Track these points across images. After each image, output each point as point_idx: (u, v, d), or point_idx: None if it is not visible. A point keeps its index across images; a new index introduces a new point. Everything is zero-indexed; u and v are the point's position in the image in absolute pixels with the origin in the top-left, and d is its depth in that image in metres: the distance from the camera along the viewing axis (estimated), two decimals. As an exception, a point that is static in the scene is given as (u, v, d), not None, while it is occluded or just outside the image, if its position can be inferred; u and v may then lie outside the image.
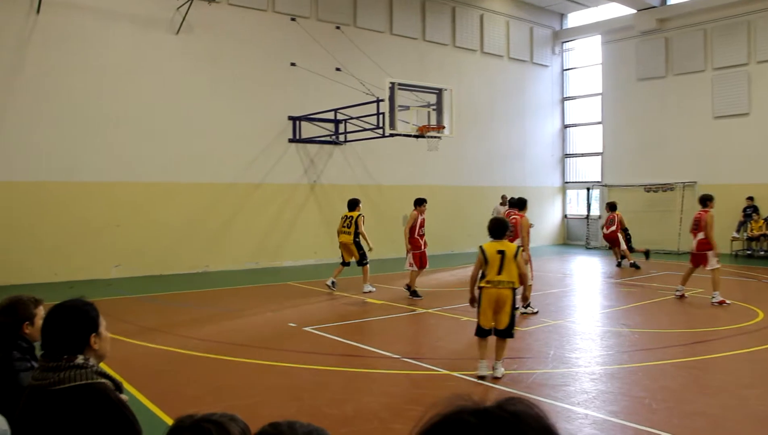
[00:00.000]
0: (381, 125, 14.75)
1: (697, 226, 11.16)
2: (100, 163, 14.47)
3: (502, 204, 18.50)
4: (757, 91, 19.37)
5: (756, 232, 18.78)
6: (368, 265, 12.40)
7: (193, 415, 1.66)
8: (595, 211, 23.26)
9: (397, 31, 19.70)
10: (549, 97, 24.44)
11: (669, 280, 13.84)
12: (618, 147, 22.99)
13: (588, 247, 22.59)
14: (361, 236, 12.25)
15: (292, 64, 17.14)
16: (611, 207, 17.18)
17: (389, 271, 14.80)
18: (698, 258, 11.17)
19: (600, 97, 23.71)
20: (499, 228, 6.80)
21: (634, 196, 21.85)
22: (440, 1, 20.74)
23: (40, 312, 3.65)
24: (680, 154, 20.98)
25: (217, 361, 7.45)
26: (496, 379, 6.56)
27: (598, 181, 23.66)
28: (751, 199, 18.99)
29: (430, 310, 10.65)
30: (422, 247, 11.91)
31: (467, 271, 15.45)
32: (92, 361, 2.60)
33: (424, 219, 12.03)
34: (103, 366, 2.69)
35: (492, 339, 6.73)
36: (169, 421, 5.20)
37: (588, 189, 23.85)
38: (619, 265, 16.82)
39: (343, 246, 12.48)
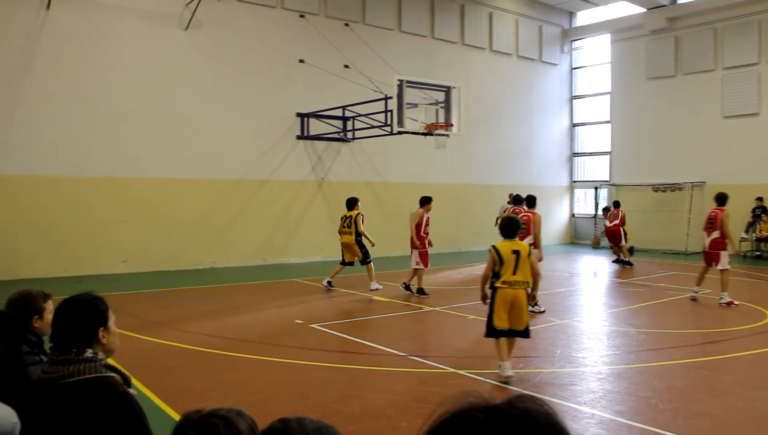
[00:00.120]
0: (389, 123, 14.75)
1: (712, 224, 11.04)
2: (109, 158, 14.53)
3: (509, 202, 18.46)
4: (768, 91, 19.27)
5: (765, 233, 18.67)
6: (372, 263, 12.41)
7: (200, 410, 1.67)
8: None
9: (406, 28, 19.69)
10: (557, 95, 24.37)
11: (676, 281, 13.80)
12: (626, 146, 22.91)
13: (595, 246, 22.51)
14: (362, 235, 12.25)
15: (301, 61, 17.16)
16: (615, 204, 17.71)
17: (396, 269, 14.80)
18: (711, 257, 11.10)
19: (609, 96, 23.63)
20: (512, 227, 6.74)
21: (642, 195, 21.77)
22: (449, -1, 20.73)
23: (49, 306, 3.68)
24: (689, 153, 20.88)
25: (223, 357, 7.47)
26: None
27: (606, 181, 23.59)
28: (760, 199, 18.88)
29: (437, 308, 10.64)
30: (426, 245, 11.91)
31: (474, 270, 15.51)
32: (101, 355, 2.62)
33: (428, 218, 12.03)
34: (109, 361, 2.70)
35: (504, 338, 6.67)
36: (176, 417, 5.23)
37: (596, 188, 23.80)
38: (616, 261, 16.96)
39: (345, 246, 12.46)
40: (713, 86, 20.37)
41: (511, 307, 6.52)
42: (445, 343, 8.41)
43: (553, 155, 24.17)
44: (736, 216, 18.39)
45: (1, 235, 13.21)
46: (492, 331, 6.59)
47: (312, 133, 17.42)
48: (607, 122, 23.72)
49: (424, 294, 11.67)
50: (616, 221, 16.79)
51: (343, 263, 12.57)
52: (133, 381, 2.87)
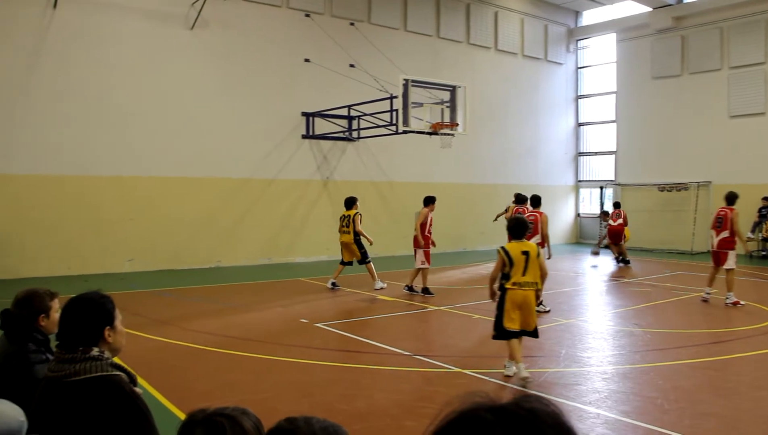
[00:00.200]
0: (394, 122, 14.75)
1: (721, 223, 10.98)
2: (114, 157, 14.56)
3: (514, 202, 18.45)
4: (774, 90, 19.18)
5: (772, 233, 18.59)
6: (371, 263, 12.42)
7: (206, 409, 1.67)
8: (607, 209, 23.17)
9: (412, 27, 19.68)
10: (563, 95, 24.32)
11: (682, 280, 13.76)
12: (632, 146, 22.84)
13: (601, 246, 22.44)
14: (359, 234, 12.26)
15: (306, 60, 17.17)
16: (616, 205, 18.07)
17: (401, 268, 14.79)
18: (719, 256, 11.04)
19: (614, 95, 23.57)
20: (520, 227, 6.71)
21: (647, 195, 21.71)
22: (454, -2, 20.71)
23: (56, 305, 3.69)
24: (695, 153, 20.81)
25: (228, 356, 7.49)
26: (507, 377, 6.54)
27: (611, 180, 23.53)
28: (766, 199, 18.78)
29: (441, 308, 10.63)
30: (430, 245, 11.91)
31: (479, 269, 15.51)
32: (107, 354, 2.62)
33: (432, 217, 12.04)
34: (116, 359, 2.71)
35: (516, 340, 6.62)
36: (181, 415, 5.24)
37: (601, 188, 23.75)
38: (617, 259, 17.03)
39: (345, 245, 12.50)
40: (719, 86, 20.29)
41: (521, 307, 6.49)
42: (449, 342, 8.40)
43: (558, 155, 24.12)
44: (743, 216, 18.17)
45: (6, 235, 13.25)
46: (502, 333, 6.55)
47: (317, 132, 17.43)
48: (613, 122, 23.66)
49: (429, 293, 11.67)
50: (620, 220, 16.96)
51: (343, 263, 12.61)
52: (139, 379, 2.88)
